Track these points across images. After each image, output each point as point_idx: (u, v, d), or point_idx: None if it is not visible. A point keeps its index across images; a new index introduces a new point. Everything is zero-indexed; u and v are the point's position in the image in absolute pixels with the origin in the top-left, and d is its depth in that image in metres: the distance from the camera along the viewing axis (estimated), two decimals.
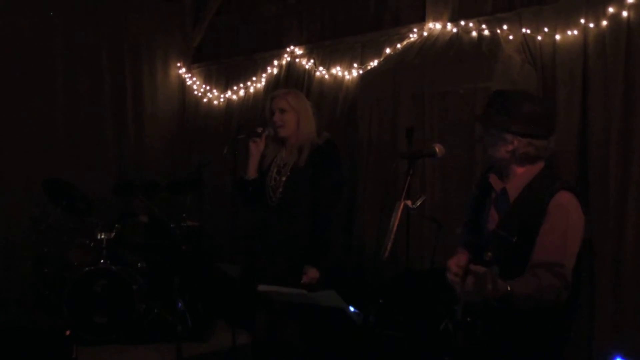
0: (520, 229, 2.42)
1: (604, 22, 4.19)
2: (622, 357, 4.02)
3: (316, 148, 3.56)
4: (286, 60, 6.30)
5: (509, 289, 2.20)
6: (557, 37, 4.40)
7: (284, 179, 3.54)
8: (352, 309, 2.64)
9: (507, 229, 2.45)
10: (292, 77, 6.22)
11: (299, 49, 6.20)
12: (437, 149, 2.73)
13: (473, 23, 4.89)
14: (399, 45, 5.35)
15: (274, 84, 6.39)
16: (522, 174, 2.55)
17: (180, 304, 3.96)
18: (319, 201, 3.50)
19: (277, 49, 6.41)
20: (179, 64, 7.33)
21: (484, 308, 2.41)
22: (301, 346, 3.32)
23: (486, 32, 4.78)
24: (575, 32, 4.32)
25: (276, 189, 3.55)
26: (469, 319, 2.49)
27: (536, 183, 2.52)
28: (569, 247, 2.41)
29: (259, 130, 3.60)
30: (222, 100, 6.97)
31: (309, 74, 6.06)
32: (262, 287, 2.88)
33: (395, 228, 2.55)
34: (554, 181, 2.52)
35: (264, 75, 6.52)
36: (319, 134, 4.35)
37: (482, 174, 2.78)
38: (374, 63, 5.49)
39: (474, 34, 4.87)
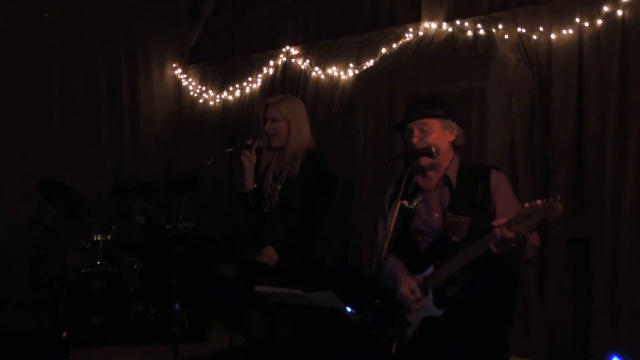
0: (471, 210, 2.68)
1: (599, 21, 4.20)
2: (618, 356, 4.03)
3: (308, 156, 3.59)
4: (282, 61, 6.29)
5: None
6: (553, 36, 4.40)
7: (279, 187, 3.58)
8: (349, 309, 2.64)
9: (458, 212, 2.68)
10: (288, 78, 6.21)
11: (295, 49, 6.20)
12: (433, 149, 2.74)
13: (468, 22, 4.89)
14: (394, 45, 5.35)
15: (269, 84, 6.38)
16: (453, 162, 2.84)
17: (177, 305, 3.95)
18: (308, 205, 3.55)
19: (273, 49, 6.40)
20: (174, 65, 7.32)
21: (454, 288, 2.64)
22: (297, 347, 3.33)
23: (481, 32, 4.78)
24: (571, 31, 4.33)
25: (272, 196, 3.57)
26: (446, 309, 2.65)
27: (465, 168, 2.85)
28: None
29: (249, 142, 3.62)
30: (218, 100, 6.96)
31: (305, 74, 6.06)
32: (259, 288, 2.88)
33: (392, 228, 2.56)
34: (477, 164, 2.96)
35: (259, 75, 6.50)
36: None
37: (397, 183, 2.87)
38: (370, 63, 5.49)
39: (470, 33, 4.87)
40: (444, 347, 2.64)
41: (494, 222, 2.43)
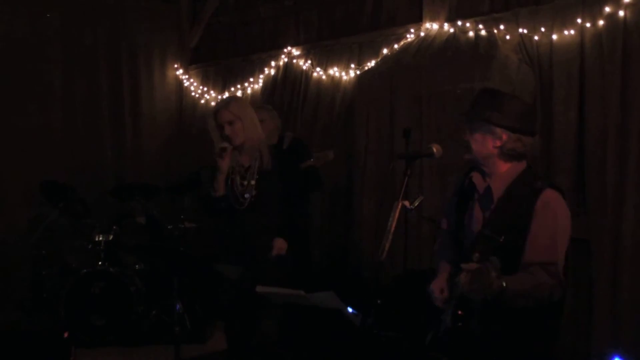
0: (506, 229, 2.39)
1: (601, 22, 4.19)
2: (620, 357, 4.02)
3: (280, 149, 3.71)
4: (283, 61, 6.29)
5: (504, 284, 2.20)
6: (554, 36, 4.40)
7: (252, 182, 3.60)
8: (350, 310, 2.64)
9: (493, 228, 2.42)
10: (289, 78, 6.22)
11: (296, 50, 6.20)
12: (434, 149, 2.72)
13: (470, 23, 4.89)
14: (396, 46, 5.35)
15: (271, 84, 6.39)
16: (506, 172, 2.55)
17: (178, 306, 3.95)
18: (295, 192, 3.65)
19: (275, 50, 6.41)
20: (176, 65, 7.33)
21: (474, 312, 2.41)
22: (281, 349, 3.34)
23: (483, 32, 4.78)
24: (572, 31, 4.33)
25: (244, 193, 3.59)
26: (460, 324, 2.49)
27: (520, 181, 2.52)
28: (560, 246, 2.42)
29: (224, 145, 3.64)
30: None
31: (306, 74, 6.06)
32: (260, 288, 2.87)
33: (393, 228, 2.55)
34: (537, 180, 2.52)
35: (261, 76, 6.51)
36: (282, 136, 4.60)
37: (461, 178, 2.76)
38: (371, 63, 5.49)
39: (471, 34, 4.87)
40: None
41: (462, 265, 2.24)
